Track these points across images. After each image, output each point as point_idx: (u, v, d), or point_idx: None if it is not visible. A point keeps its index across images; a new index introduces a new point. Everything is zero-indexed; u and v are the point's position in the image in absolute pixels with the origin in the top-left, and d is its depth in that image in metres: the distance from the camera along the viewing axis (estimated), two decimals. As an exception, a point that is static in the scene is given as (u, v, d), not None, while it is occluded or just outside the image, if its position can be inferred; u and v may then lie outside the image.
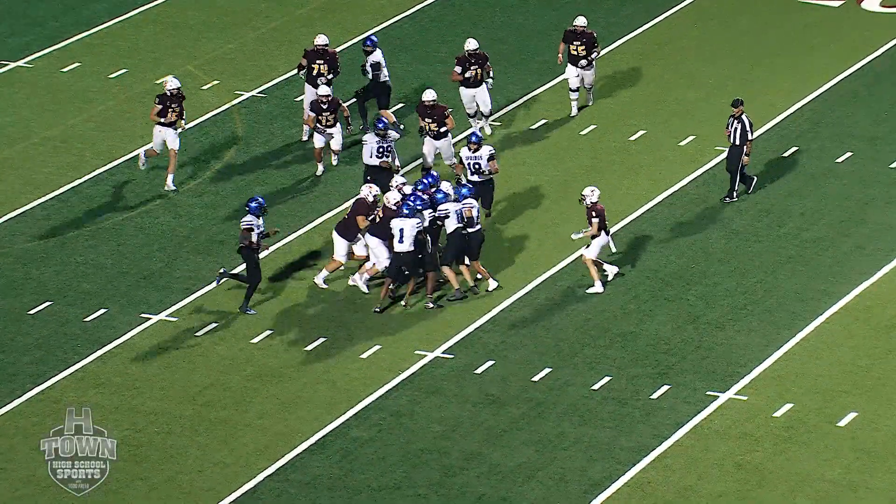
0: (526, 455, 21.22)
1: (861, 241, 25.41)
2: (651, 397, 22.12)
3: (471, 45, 27.10)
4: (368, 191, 24.28)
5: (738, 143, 25.91)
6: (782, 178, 27.19)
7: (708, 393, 22.14)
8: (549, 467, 21.01)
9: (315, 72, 27.42)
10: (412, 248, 23.54)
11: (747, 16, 32.14)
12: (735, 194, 26.08)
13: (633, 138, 28.49)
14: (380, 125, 25.68)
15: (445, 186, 24.17)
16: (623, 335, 23.40)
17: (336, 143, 26.99)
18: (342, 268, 24.36)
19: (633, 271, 24.76)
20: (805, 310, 23.73)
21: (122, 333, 23.68)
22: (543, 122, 29.00)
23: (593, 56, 27.99)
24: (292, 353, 23.24)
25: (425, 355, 23.16)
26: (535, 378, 22.62)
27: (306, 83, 27.67)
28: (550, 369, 22.77)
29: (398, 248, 23.61)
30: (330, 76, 27.42)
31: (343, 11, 32.76)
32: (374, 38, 28.33)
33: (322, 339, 23.57)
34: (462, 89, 27.31)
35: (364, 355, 23.23)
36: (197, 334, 23.65)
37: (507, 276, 24.74)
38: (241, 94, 30.05)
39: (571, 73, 28.11)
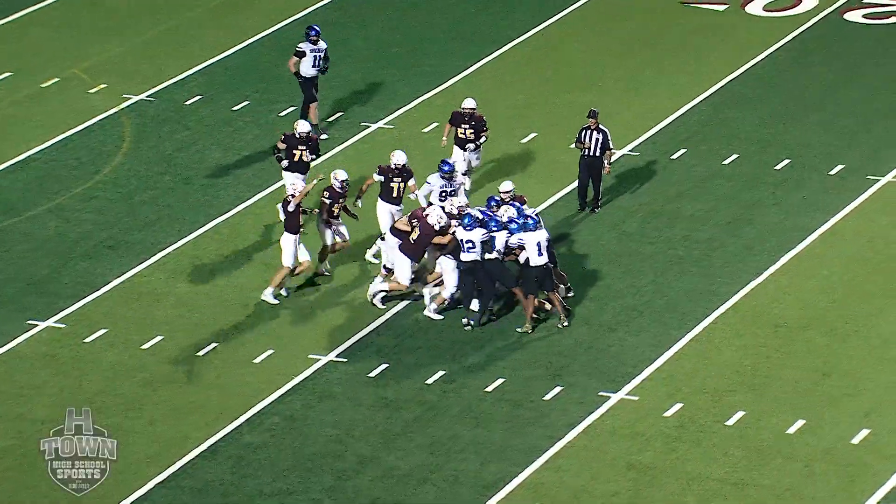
0: (420, 458, 21.23)
1: (749, 242, 25.73)
2: (544, 398, 22.24)
3: (398, 158, 24.50)
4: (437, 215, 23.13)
5: (598, 153, 25.92)
6: (672, 180, 27.46)
7: (600, 393, 22.29)
8: (442, 469, 21.04)
9: (297, 157, 25.49)
10: (549, 260, 22.99)
11: (636, 19, 32.43)
12: (596, 203, 26.14)
13: (524, 140, 28.62)
14: (445, 167, 24.28)
15: (505, 212, 23.25)
16: (516, 337, 23.49)
17: (343, 237, 24.23)
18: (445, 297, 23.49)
19: (525, 273, 24.88)
20: (695, 310, 23.97)
21: (9, 340, 23.34)
22: (435, 125, 29.04)
23: (482, 140, 25.98)
24: (184, 359, 23.05)
25: (319, 359, 23.10)
26: (429, 381, 22.64)
27: (285, 170, 25.56)
28: (444, 372, 22.80)
29: (537, 261, 22.94)
30: (312, 157, 25.48)
31: (233, 14, 32.58)
32: (316, 27, 27.70)
33: (214, 345, 23.40)
34: (381, 202, 24.61)
35: (257, 360, 23.10)
36: (86, 340, 23.38)
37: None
38: (130, 98, 29.77)
39: (459, 157, 25.93)
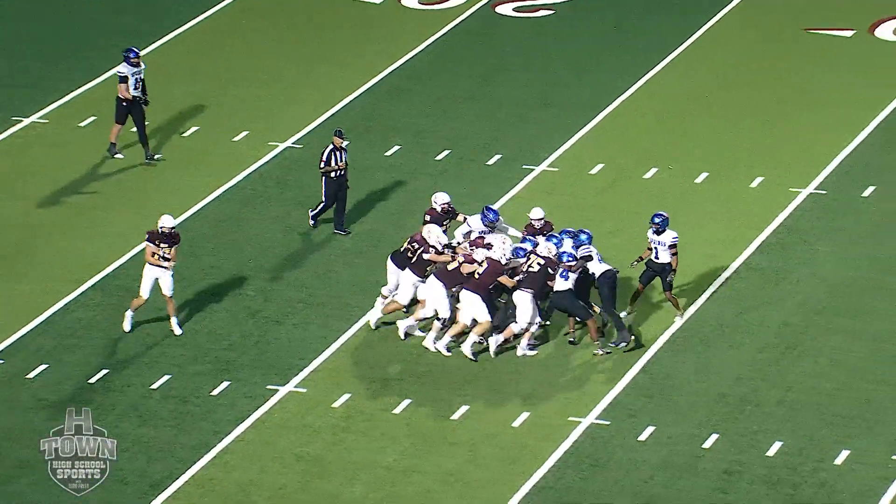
0: (85, 459, 20.84)
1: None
2: (211, 394, 22.11)
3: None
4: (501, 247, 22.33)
5: (344, 173, 25.74)
6: (335, 172, 27.64)
7: (268, 387, 22.30)
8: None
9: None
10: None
11: (296, 12, 32.50)
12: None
13: (186, 134, 28.37)
14: (491, 216, 23.16)
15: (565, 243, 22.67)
16: (182, 333, 23.26)
17: (167, 287, 22.72)
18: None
19: (188, 268, 24.64)
20: (360, 301, 24.20)
21: None
22: (92, 118, 28.54)
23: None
24: None
25: (-25, 361, 22.41)
26: (92, 380, 22.22)
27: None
28: (108, 370, 22.42)
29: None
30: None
31: None
32: (135, 49, 26.47)
33: None
34: None
35: None
36: None
37: (59, 278, 24.20)
38: None
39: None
